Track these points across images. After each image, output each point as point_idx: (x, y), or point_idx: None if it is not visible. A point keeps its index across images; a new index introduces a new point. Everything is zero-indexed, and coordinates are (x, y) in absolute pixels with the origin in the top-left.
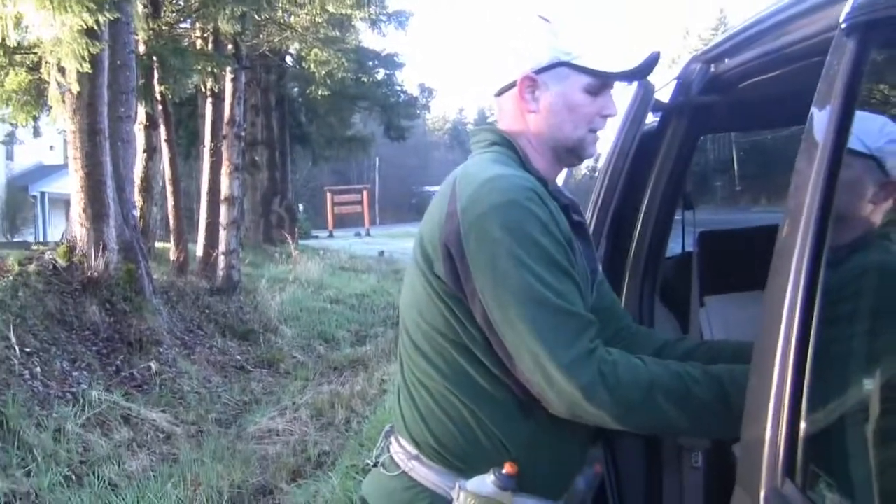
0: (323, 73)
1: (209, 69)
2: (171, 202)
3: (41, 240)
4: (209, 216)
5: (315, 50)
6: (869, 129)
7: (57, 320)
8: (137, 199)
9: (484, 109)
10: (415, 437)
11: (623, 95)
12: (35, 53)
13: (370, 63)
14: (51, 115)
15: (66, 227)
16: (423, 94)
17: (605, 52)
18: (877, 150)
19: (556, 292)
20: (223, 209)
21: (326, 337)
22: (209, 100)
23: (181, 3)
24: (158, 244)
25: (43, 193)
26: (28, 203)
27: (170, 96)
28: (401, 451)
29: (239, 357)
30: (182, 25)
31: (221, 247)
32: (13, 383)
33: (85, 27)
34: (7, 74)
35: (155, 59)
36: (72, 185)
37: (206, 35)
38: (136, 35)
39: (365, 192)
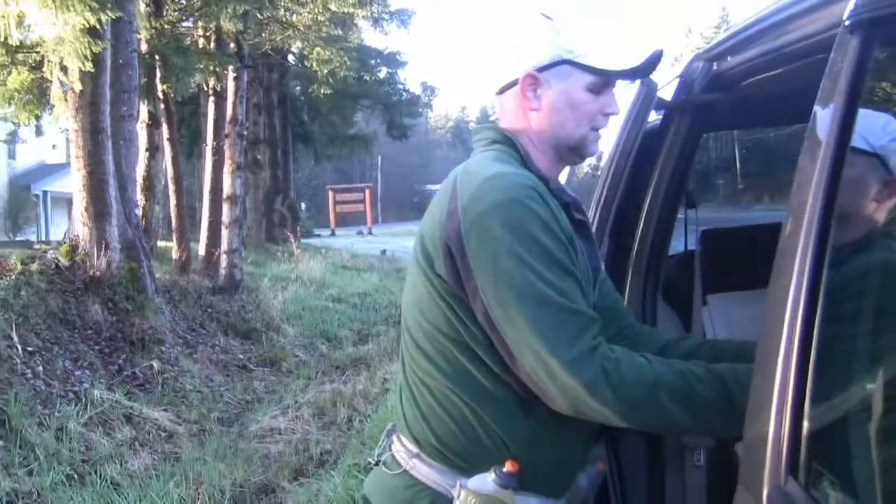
0: (325, 71)
1: (211, 68)
2: (173, 201)
3: (44, 239)
4: (211, 215)
5: (317, 48)
6: (872, 126)
7: (59, 319)
8: (140, 197)
9: (486, 108)
10: (416, 436)
11: (626, 94)
12: (37, 52)
13: (372, 61)
14: (53, 113)
15: (68, 226)
16: (425, 92)
17: (608, 50)
18: (880, 149)
19: (557, 290)
20: (225, 208)
21: (329, 336)
22: (211, 98)
23: (183, 1)
24: (161, 243)
25: (45, 192)
26: (30, 202)
27: (172, 95)
28: (402, 450)
29: (241, 356)
30: (184, 24)
31: (224, 245)
32: (15, 382)
33: (87, 26)
34: (9, 73)
35: (157, 57)
36: (74, 183)
37: (208, 34)
38: (139, 34)
39: (367, 191)
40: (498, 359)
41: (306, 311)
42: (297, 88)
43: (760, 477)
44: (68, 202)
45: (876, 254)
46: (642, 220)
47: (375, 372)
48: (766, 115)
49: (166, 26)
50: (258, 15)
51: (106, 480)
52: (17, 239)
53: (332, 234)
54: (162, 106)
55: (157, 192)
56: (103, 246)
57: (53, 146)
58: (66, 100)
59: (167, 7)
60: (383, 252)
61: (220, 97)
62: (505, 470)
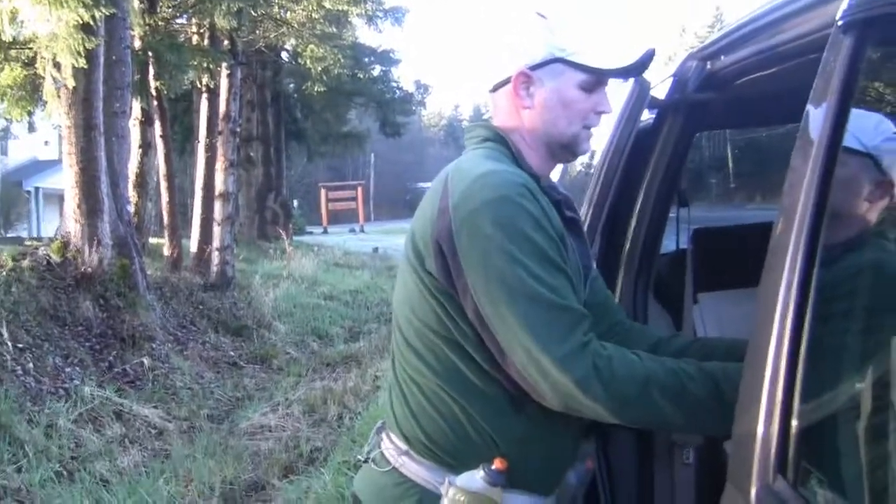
0: (319, 69)
1: (205, 65)
2: (165, 198)
3: (35, 235)
4: (203, 212)
5: (311, 46)
6: (865, 126)
7: (50, 316)
8: (132, 194)
9: (480, 106)
10: (405, 433)
11: (619, 92)
12: (30, 48)
13: (366, 59)
14: (46, 110)
15: (60, 223)
16: (418, 90)
17: (601, 48)
18: (873, 149)
19: (548, 287)
20: (218, 205)
21: (320, 333)
22: (204, 96)
23: None
24: (152, 240)
25: (37, 189)
26: (22, 198)
27: (165, 92)
28: (391, 447)
29: (232, 353)
30: (178, 21)
31: (215, 243)
32: (5, 379)
33: (81, 22)
34: (2, 69)
35: (150, 54)
36: (66, 180)
37: (202, 31)
38: (132, 30)
39: (360, 189)
40: (488, 356)
41: (298, 309)
42: (291, 86)
43: (749, 475)
44: (60, 199)
45: (867, 253)
46: (634, 218)
47: (366, 369)
48: (760, 115)
49: (160, 23)
50: (252, 12)
51: (95, 477)
52: (9, 235)
53: (325, 231)
54: (155, 103)
55: (150, 188)
56: (95, 242)
57: (46, 142)
58: (58, 96)
59: (161, 4)
60: (375, 250)
61: (214, 94)
62: (494, 467)
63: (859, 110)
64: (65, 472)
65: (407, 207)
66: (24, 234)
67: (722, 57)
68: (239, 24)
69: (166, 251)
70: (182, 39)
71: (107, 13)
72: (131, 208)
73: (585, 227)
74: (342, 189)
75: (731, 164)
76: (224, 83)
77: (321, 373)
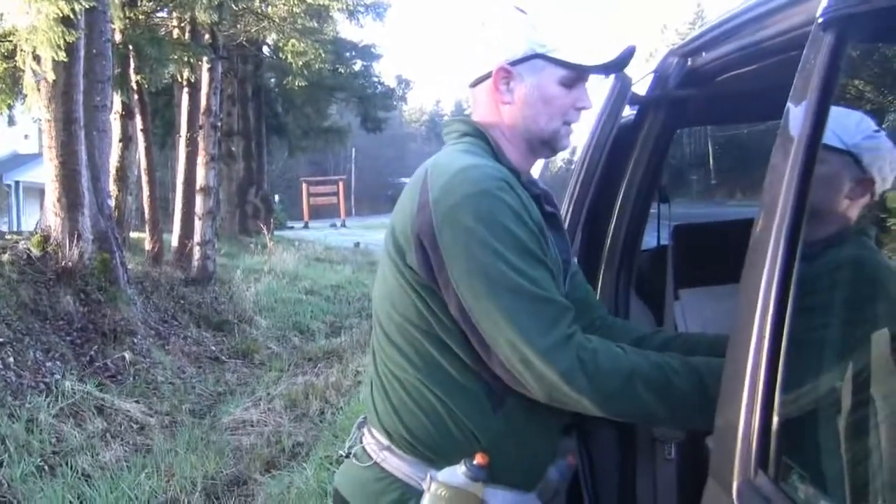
0: (300, 63)
1: (186, 59)
2: (146, 192)
3: (15, 229)
4: (184, 206)
5: (292, 40)
6: (846, 124)
7: (30, 310)
8: (112, 188)
9: (461, 101)
10: (387, 429)
11: (600, 88)
12: (10, 41)
13: (347, 54)
14: (26, 103)
15: (40, 217)
16: (400, 85)
17: (581, 44)
18: (853, 146)
19: (530, 280)
20: (199, 199)
21: (301, 328)
22: (185, 90)
23: None
24: (133, 234)
25: (17, 182)
26: (2, 192)
27: (146, 86)
28: (373, 442)
29: (213, 347)
30: (159, 15)
31: (197, 237)
32: None
33: (61, 15)
34: None
35: (131, 48)
36: (46, 174)
37: (182, 24)
38: (113, 24)
39: (341, 184)
40: (470, 350)
41: (279, 304)
42: (272, 80)
43: (730, 470)
44: (40, 192)
45: (848, 249)
46: (615, 214)
47: (348, 364)
48: (740, 111)
49: (141, 16)
50: (233, 6)
51: (77, 472)
52: None
53: (306, 226)
54: (136, 96)
55: (130, 182)
56: (75, 237)
57: (26, 136)
58: (38, 89)
59: None
60: (356, 244)
61: (195, 88)
62: (475, 462)
63: (840, 108)
64: (46, 467)
65: (388, 202)
66: (5, 228)
67: (703, 53)
68: (220, 18)
69: (147, 245)
70: (163, 33)
71: (87, 6)
72: (112, 202)
73: (566, 223)
74: (323, 184)
75: (711, 161)
76: (205, 77)
77: (303, 368)
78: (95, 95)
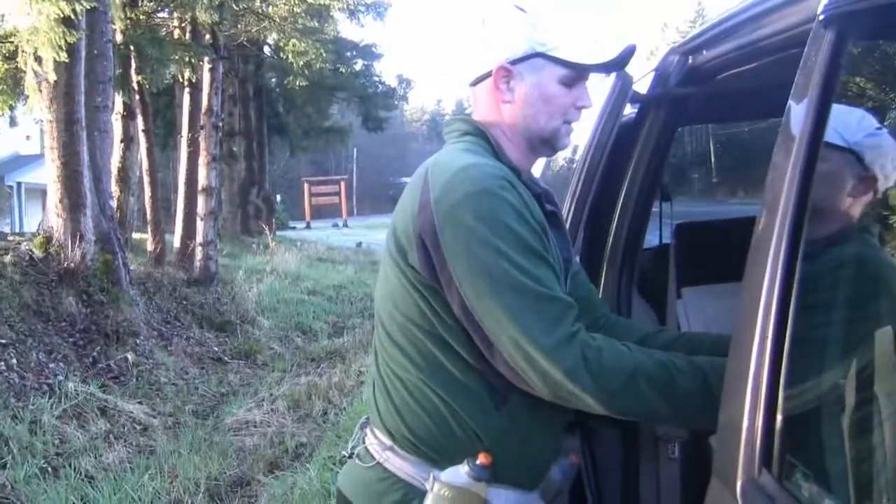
0: (301, 63)
1: (187, 59)
2: (148, 193)
3: (17, 230)
4: (186, 207)
5: (293, 40)
6: (847, 122)
7: (33, 311)
8: (114, 189)
9: (462, 101)
10: (389, 429)
11: (601, 87)
12: (11, 42)
13: (348, 54)
14: (27, 104)
15: (42, 218)
16: (401, 84)
17: (581, 43)
18: (855, 144)
19: (533, 278)
20: (200, 200)
21: (304, 328)
22: (187, 90)
23: None
24: (135, 235)
25: (19, 184)
26: (4, 193)
27: (147, 86)
28: (376, 443)
29: (216, 348)
30: (160, 15)
31: (199, 238)
32: None
33: (62, 16)
34: None
35: (132, 48)
36: (48, 175)
37: (183, 25)
38: (114, 24)
39: (342, 183)
40: (472, 350)
41: (281, 304)
42: (273, 80)
43: (734, 469)
44: (42, 193)
45: (850, 247)
46: (617, 213)
47: (350, 364)
48: (742, 109)
49: (142, 17)
50: (234, 6)
51: (80, 473)
52: None
53: (308, 226)
54: (137, 97)
55: (132, 183)
56: (78, 237)
57: (27, 137)
58: (40, 90)
59: None
60: (359, 244)
61: (196, 88)
62: (478, 462)
63: (841, 105)
64: (49, 469)
65: (390, 202)
66: (7, 230)
67: (704, 52)
68: (221, 18)
69: (149, 246)
70: (164, 33)
71: (88, 7)
72: (114, 203)
73: (568, 222)
74: (325, 184)
75: (713, 159)
76: (206, 77)
77: (305, 368)
78: (97, 96)
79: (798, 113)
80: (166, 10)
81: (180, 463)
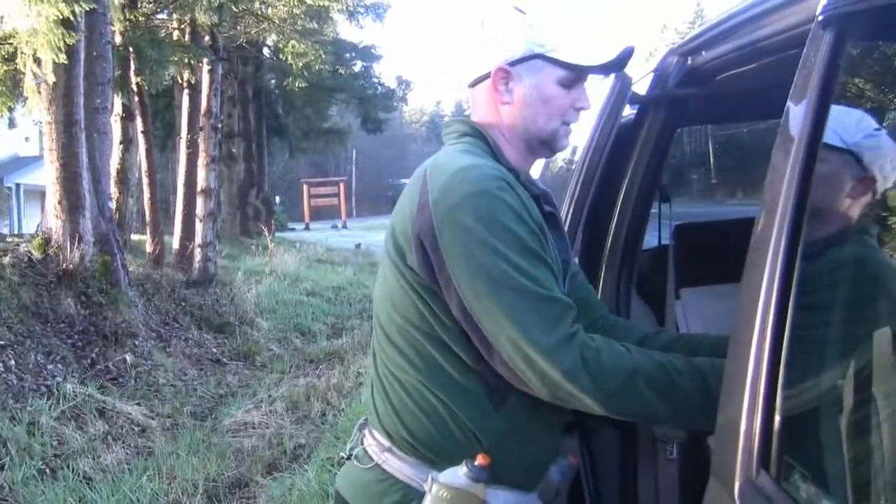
0: (300, 64)
1: (186, 60)
2: (147, 194)
3: (16, 232)
4: (185, 208)
5: (292, 42)
6: (846, 123)
7: (32, 313)
8: (113, 190)
9: (461, 102)
10: (388, 430)
11: (600, 88)
12: (10, 44)
13: (348, 55)
14: (26, 106)
15: (41, 219)
16: (400, 86)
17: (580, 45)
18: (854, 145)
19: (532, 279)
20: (199, 201)
21: (303, 329)
22: (186, 91)
23: None
24: (134, 236)
25: (18, 185)
26: (3, 195)
27: (146, 88)
28: (374, 444)
29: (215, 350)
30: (159, 16)
31: (198, 239)
32: None
33: (61, 17)
34: None
35: (131, 50)
36: (47, 176)
37: (182, 26)
38: (113, 26)
39: (341, 185)
40: (471, 351)
41: (280, 305)
42: (272, 82)
43: (732, 470)
44: (41, 195)
45: (849, 248)
46: (616, 214)
47: (349, 366)
48: (741, 110)
49: (141, 18)
50: (233, 7)
51: (78, 475)
52: None
53: (307, 227)
54: (136, 98)
55: (131, 184)
56: (76, 239)
57: (26, 139)
58: (39, 92)
59: None
60: (358, 246)
61: (195, 90)
62: (477, 463)
63: (840, 106)
64: (48, 470)
65: (389, 203)
66: (6, 231)
67: (703, 52)
68: (220, 19)
69: (148, 248)
70: (163, 35)
71: (87, 8)
72: (113, 204)
73: (567, 223)
74: (324, 185)
75: (712, 160)
76: (205, 79)
77: (304, 369)
78: (96, 98)
79: (797, 114)
80: (165, 11)
81: (178, 464)
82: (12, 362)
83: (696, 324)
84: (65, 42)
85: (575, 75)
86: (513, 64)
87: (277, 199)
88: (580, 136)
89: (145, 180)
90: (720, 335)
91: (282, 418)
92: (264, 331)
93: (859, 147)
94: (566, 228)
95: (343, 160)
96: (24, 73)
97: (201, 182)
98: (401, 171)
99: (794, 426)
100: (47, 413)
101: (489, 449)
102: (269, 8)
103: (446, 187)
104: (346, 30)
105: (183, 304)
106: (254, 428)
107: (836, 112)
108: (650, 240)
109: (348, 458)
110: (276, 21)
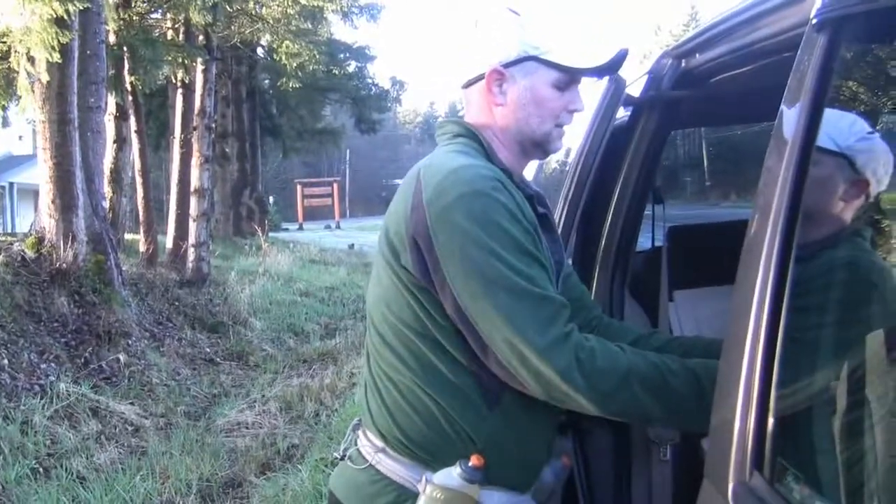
0: (294, 65)
1: (180, 60)
2: (140, 193)
3: (9, 231)
4: (179, 208)
5: (286, 42)
6: (839, 126)
7: (25, 312)
8: (107, 190)
9: (455, 103)
10: (381, 431)
11: (594, 89)
12: (4, 42)
13: (342, 55)
14: (20, 104)
15: (34, 218)
16: (394, 87)
17: (574, 47)
18: (847, 149)
19: (526, 278)
20: (193, 201)
21: (296, 330)
22: (179, 91)
23: None
24: (128, 236)
25: (11, 184)
26: None
27: (140, 87)
28: (368, 445)
29: (208, 349)
30: (153, 16)
31: (191, 239)
32: None
33: (55, 16)
34: None
35: (125, 49)
36: (41, 175)
37: (177, 26)
38: (107, 25)
39: (335, 185)
40: (465, 351)
41: (274, 305)
42: (266, 82)
43: (726, 471)
44: (35, 194)
45: (843, 251)
46: (610, 216)
47: (343, 366)
48: (734, 113)
49: (135, 17)
50: (227, 7)
51: (72, 474)
52: None
53: (300, 227)
54: (130, 98)
55: (125, 184)
56: (70, 238)
57: (20, 137)
58: (33, 90)
59: None
60: (351, 246)
61: (189, 90)
62: (471, 464)
63: (833, 110)
64: (41, 469)
65: (382, 204)
66: None
67: (697, 55)
68: (214, 19)
69: (142, 247)
70: (157, 34)
71: (81, 7)
72: (106, 204)
73: (560, 225)
74: (318, 185)
75: (705, 162)
76: (199, 78)
77: (298, 369)
78: (90, 97)
79: (790, 117)
80: (160, 10)
81: (172, 464)
82: (5, 361)
83: (689, 326)
84: (59, 41)
85: (569, 77)
86: (507, 65)
87: (271, 199)
88: (574, 137)
89: (139, 179)
90: (713, 338)
91: (275, 418)
92: (258, 331)
93: (852, 150)
94: (560, 230)
95: (337, 160)
96: (17, 72)
97: (195, 182)
98: (395, 172)
99: (788, 428)
100: (40, 412)
101: (483, 449)
102: (264, 8)
103: (440, 187)
104: (340, 30)
105: (176, 303)
106: (247, 428)
107: (830, 115)
108: (644, 242)
109: (342, 459)
110: (271, 21)
